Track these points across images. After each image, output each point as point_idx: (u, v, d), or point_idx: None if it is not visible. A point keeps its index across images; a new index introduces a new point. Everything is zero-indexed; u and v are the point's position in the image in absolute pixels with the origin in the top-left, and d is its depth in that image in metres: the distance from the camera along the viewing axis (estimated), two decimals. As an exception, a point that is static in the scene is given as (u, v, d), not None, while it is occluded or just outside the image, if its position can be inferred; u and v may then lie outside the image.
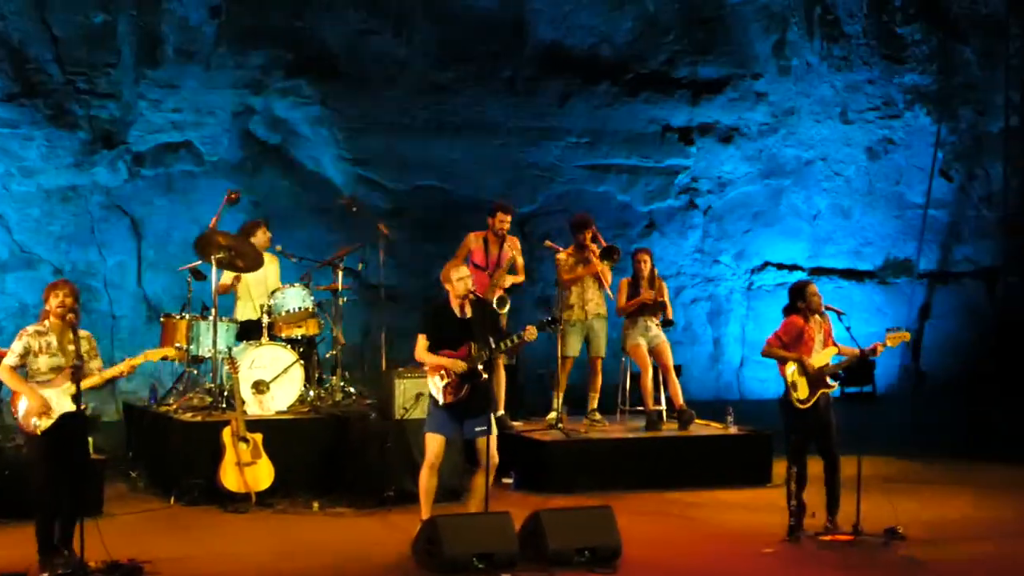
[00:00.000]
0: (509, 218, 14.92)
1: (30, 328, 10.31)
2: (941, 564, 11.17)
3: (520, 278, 15.11)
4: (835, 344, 12.12)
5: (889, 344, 12.18)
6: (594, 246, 15.03)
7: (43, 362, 10.21)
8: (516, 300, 15.36)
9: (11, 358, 10.24)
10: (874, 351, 12.02)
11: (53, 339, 10.24)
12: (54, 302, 10.24)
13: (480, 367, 11.09)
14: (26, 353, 10.21)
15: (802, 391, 12.00)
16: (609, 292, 15.10)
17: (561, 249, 15.20)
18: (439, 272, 11.60)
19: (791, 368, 12.03)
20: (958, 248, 20.92)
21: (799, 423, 12.04)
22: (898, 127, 20.55)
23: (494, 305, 14.13)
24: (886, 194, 20.54)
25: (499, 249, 14.89)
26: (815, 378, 11.94)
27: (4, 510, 11.85)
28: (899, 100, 20.54)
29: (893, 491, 13.70)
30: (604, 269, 14.97)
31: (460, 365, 11.07)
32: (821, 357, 12.00)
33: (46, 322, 10.28)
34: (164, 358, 11.43)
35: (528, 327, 11.29)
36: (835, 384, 12.05)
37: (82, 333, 10.35)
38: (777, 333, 12.20)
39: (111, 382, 10.70)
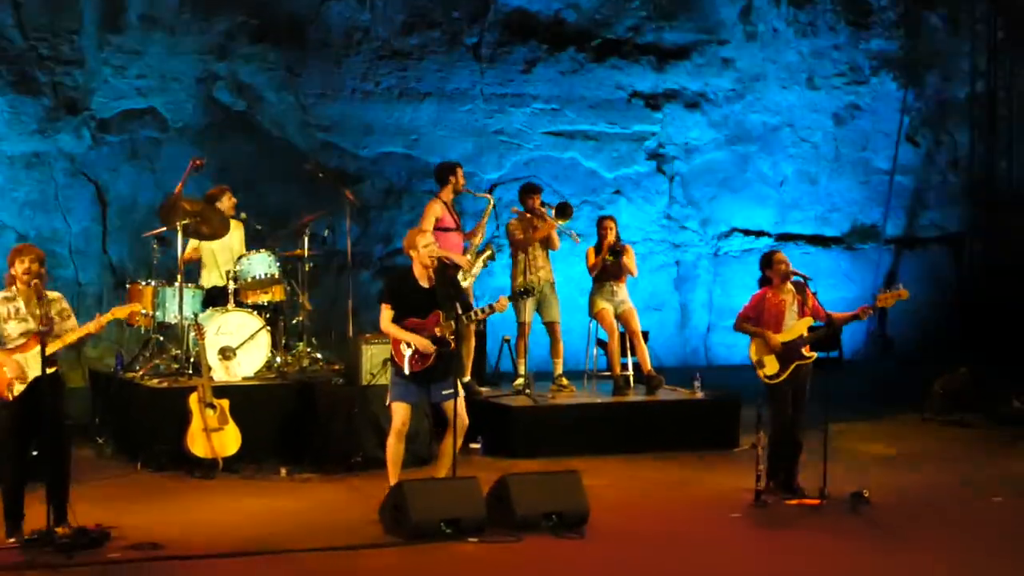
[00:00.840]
0: (462, 171, 14.97)
1: None
2: (906, 528, 11.22)
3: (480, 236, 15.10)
4: (815, 314, 12.06)
5: (880, 304, 12.08)
6: (543, 209, 15.07)
7: (12, 328, 10.16)
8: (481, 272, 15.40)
9: None
10: (857, 316, 11.98)
11: (21, 304, 10.18)
12: (20, 268, 10.17)
13: (449, 336, 11.08)
14: (-4, 319, 10.18)
15: (770, 367, 12.02)
16: (561, 240, 15.09)
17: (526, 215, 15.21)
18: (404, 239, 11.57)
19: (753, 347, 12.06)
20: (924, 214, 21.00)
21: (772, 396, 12.07)
22: (864, 93, 20.59)
23: (483, 260, 14.26)
24: (852, 160, 20.60)
25: (458, 206, 14.94)
26: (786, 352, 11.94)
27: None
28: (865, 66, 20.59)
29: (859, 456, 13.78)
30: (552, 230, 15.01)
31: (426, 345, 11.05)
32: (793, 330, 11.99)
33: (13, 288, 10.22)
34: (131, 316, 11.30)
35: (500, 298, 11.32)
36: (812, 355, 12.04)
37: (52, 295, 10.29)
38: (745, 307, 12.22)
39: (79, 345, 10.61)
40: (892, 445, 15.04)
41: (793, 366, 11.95)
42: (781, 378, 11.97)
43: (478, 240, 14.88)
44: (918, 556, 10.39)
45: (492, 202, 15.23)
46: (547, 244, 15.14)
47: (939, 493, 12.61)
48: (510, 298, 11.45)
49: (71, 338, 10.27)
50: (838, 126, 20.48)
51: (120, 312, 10.63)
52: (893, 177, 20.62)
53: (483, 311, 11.53)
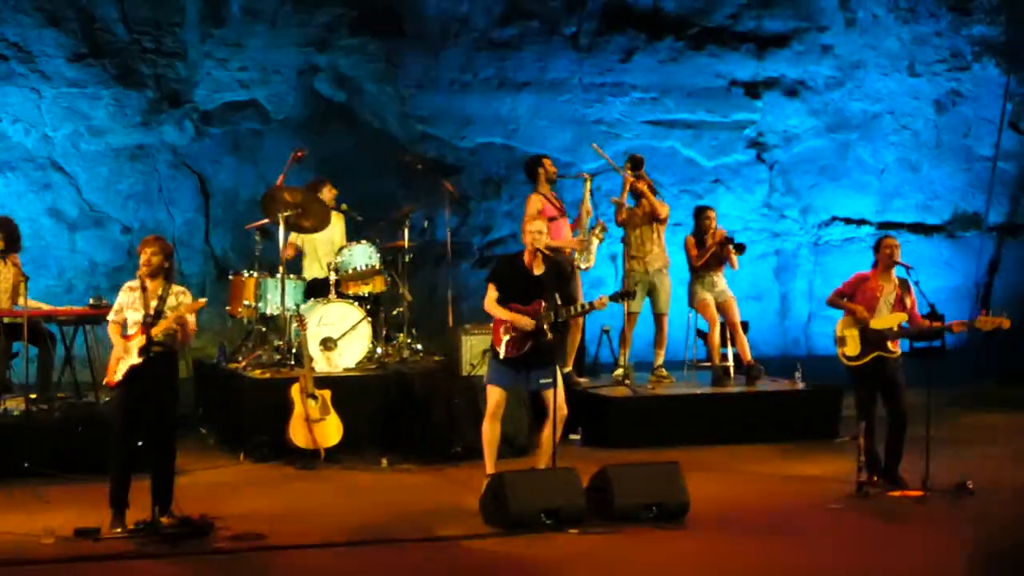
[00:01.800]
0: (550, 160, 14.99)
1: (127, 283, 10.51)
2: (1011, 519, 11.11)
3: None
4: (911, 311, 11.97)
5: (979, 327, 11.79)
6: (639, 181, 15.07)
7: (131, 316, 10.36)
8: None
9: (112, 314, 10.48)
10: (950, 328, 11.83)
11: (139, 294, 10.33)
12: (141, 259, 10.36)
13: (546, 327, 11.10)
14: (121, 308, 10.40)
15: (851, 347, 11.95)
16: (654, 204, 15.07)
17: (625, 205, 15.19)
18: (505, 229, 11.62)
19: (841, 323, 12.00)
20: (1028, 201, 20.75)
21: (855, 379, 12.02)
22: (966, 79, 20.34)
23: (596, 238, 14.28)
24: (954, 147, 20.36)
25: (555, 196, 14.93)
26: (871, 338, 11.86)
27: (80, 466, 11.97)
28: (967, 52, 20.33)
29: (961, 445, 13.66)
30: (650, 197, 15.00)
31: (527, 323, 11.08)
32: (885, 320, 11.91)
33: (140, 278, 10.39)
34: (235, 311, 11.41)
35: (601, 297, 11.34)
36: (897, 352, 11.95)
37: (176, 288, 10.45)
38: (843, 284, 12.18)
39: (174, 342, 10.62)
40: (993, 433, 14.90)
41: (875, 354, 11.86)
42: (861, 361, 11.90)
43: (586, 220, 14.84)
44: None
45: (588, 179, 15.17)
46: (655, 217, 15.06)
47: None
48: (611, 298, 11.45)
49: (164, 325, 10.31)
50: (939, 113, 20.26)
51: (187, 309, 10.58)
52: (996, 164, 20.37)
53: (583, 307, 11.56)
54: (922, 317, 12.00)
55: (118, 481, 10.36)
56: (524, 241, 11.37)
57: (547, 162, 14.93)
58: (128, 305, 10.35)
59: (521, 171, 17.42)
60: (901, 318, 11.90)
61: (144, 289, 10.34)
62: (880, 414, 12.03)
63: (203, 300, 10.69)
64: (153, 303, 10.28)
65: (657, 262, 15.09)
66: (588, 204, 14.97)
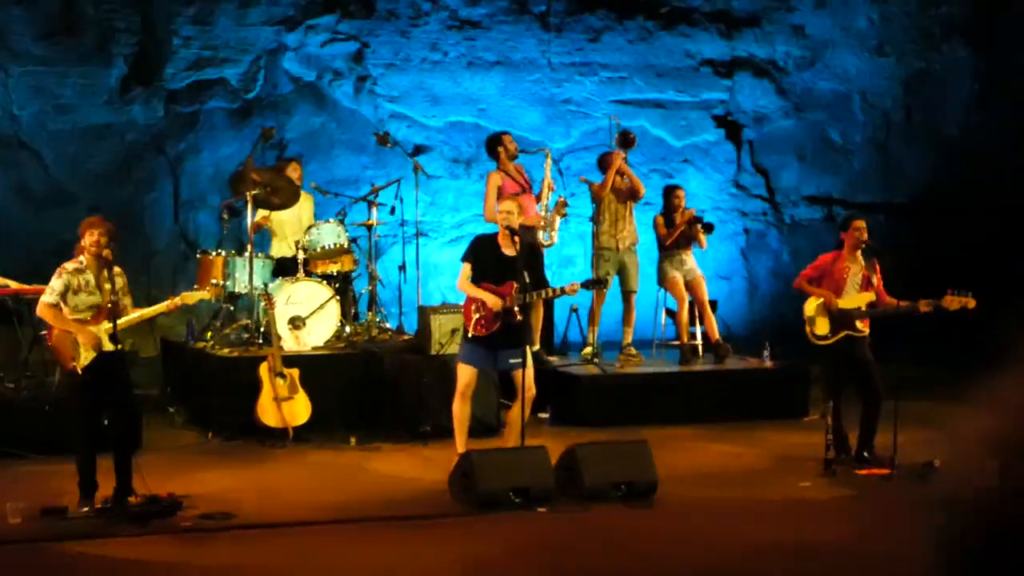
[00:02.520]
0: (510, 136, 14.98)
1: (68, 265, 10.26)
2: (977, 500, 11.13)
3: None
4: (878, 291, 12.00)
5: (945, 306, 11.68)
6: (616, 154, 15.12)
7: (81, 300, 10.21)
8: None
9: (50, 296, 10.22)
10: (917, 308, 11.83)
11: (91, 277, 10.24)
12: (89, 240, 10.22)
13: (516, 308, 11.12)
14: (65, 291, 10.20)
15: (820, 327, 12.01)
16: (635, 182, 15.10)
17: (594, 183, 15.22)
18: (474, 207, 11.64)
19: (809, 303, 12.04)
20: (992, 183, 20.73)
21: (823, 358, 12.07)
22: (935, 59, 20.35)
23: (558, 214, 14.30)
24: (923, 128, 20.39)
25: (519, 171, 14.91)
26: (840, 318, 11.91)
27: (47, 447, 11.93)
28: (936, 32, 20.33)
29: (929, 424, 13.69)
30: (629, 174, 15.05)
31: (495, 301, 11.11)
32: (852, 300, 11.95)
33: (82, 259, 10.28)
34: (200, 300, 11.50)
35: (572, 283, 11.37)
36: (866, 331, 11.98)
37: (117, 269, 10.36)
38: (809, 267, 12.21)
39: (149, 320, 10.74)
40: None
41: (844, 333, 11.91)
42: (829, 341, 11.96)
43: (547, 196, 14.83)
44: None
45: (548, 153, 15.17)
46: (633, 196, 15.10)
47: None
48: (583, 285, 11.48)
49: (134, 318, 10.34)
50: (908, 93, 20.29)
51: (190, 298, 10.72)
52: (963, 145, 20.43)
53: (553, 292, 11.60)
54: (889, 297, 12.04)
55: (85, 461, 10.32)
56: (495, 220, 11.40)
57: (507, 139, 14.94)
58: (79, 288, 10.23)
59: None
60: (868, 298, 11.95)
61: (97, 272, 10.26)
62: (847, 394, 12.08)
63: (179, 300, 10.63)
64: (107, 286, 10.22)
65: (628, 240, 15.12)
66: (549, 179, 14.98)
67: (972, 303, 11.69)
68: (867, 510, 10.84)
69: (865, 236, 12.06)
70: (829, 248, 12.43)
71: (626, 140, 15.18)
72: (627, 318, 15.31)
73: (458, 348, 11.68)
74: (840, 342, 11.96)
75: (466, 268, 11.38)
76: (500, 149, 14.86)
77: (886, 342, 12.27)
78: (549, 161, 15.07)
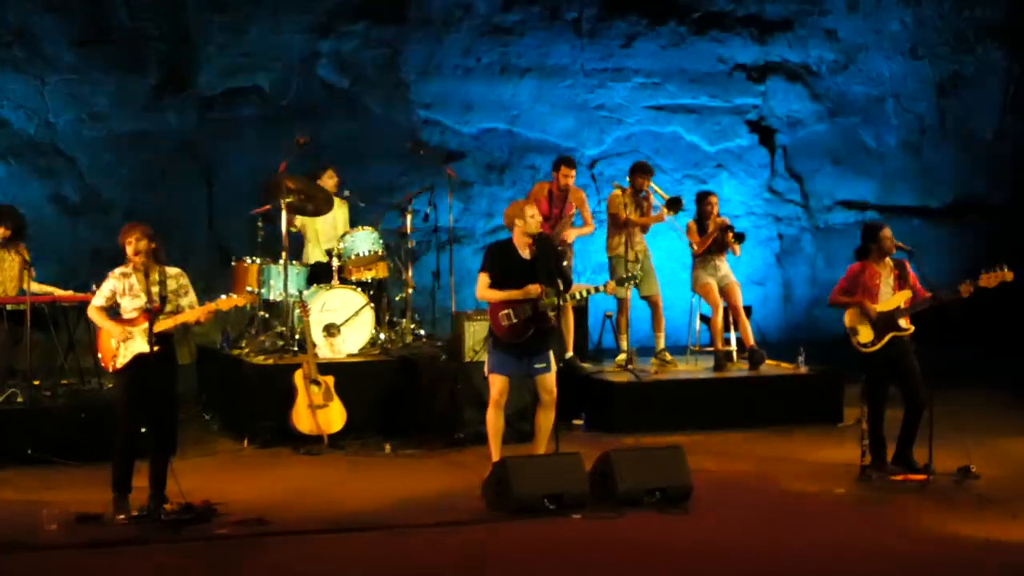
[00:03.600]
0: (573, 172, 14.89)
1: (116, 270, 10.38)
2: (1016, 503, 11.10)
3: (588, 229, 15.11)
4: (915, 288, 11.94)
5: (984, 285, 11.60)
6: (653, 198, 15.06)
7: (127, 303, 10.31)
8: (584, 245, 15.44)
9: (99, 299, 10.38)
10: (958, 293, 11.73)
11: (135, 281, 10.30)
12: (129, 250, 10.29)
13: (549, 311, 11.12)
14: (112, 295, 10.32)
15: (864, 335, 11.92)
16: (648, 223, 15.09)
17: (623, 188, 15.20)
18: (506, 210, 11.59)
19: (849, 314, 11.98)
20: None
21: (868, 365, 11.99)
22: (968, 62, 20.27)
23: (624, 281, 14.29)
24: (956, 130, 20.31)
25: (562, 203, 14.87)
26: (881, 321, 11.85)
27: (83, 453, 11.99)
28: (969, 35, 20.26)
29: (964, 429, 13.64)
30: (653, 218, 15.03)
31: (534, 290, 11.06)
32: (890, 301, 11.89)
33: (130, 264, 10.35)
34: (235, 307, 11.56)
35: (609, 282, 11.44)
36: (910, 328, 11.92)
37: (172, 271, 10.43)
38: (840, 281, 12.15)
39: (187, 325, 10.78)
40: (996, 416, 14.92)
41: (889, 337, 11.84)
42: (876, 347, 11.88)
43: (556, 235, 14.74)
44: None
45: (593, 228, 15.21)
46: (644, 231, 15.18)
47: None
48: (618, 283, 11.46)
49: (178, 320, 10.39)
50: (942, 96, 20.21)
51: (225, 304, 10.73)
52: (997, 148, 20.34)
53: (588, 291, 11.61)
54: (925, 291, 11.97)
55: (122, 467, 10.37)
56: (517, 226, 11.30)
57: (564, 170, 14.65)
58: (124, 292, 10.30)
59: (523, 156, 17.53)
60: (906, 295, 11.87)
61: (143, 275, 10.32)
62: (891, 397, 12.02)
63: (213, 306, 10.63)
64: (155, 289, 10.28)
65: (640, 246, 15.14)
66: (568, 230, 14.89)
67: (1010, 275, 11.60)
68: (903, 515, 10.79)
69: (895, 242, 12.00)
70: (856, 250, 12.34)
71: (676, 205, 15.11)
72: (656, 323, 15.28)
73: (487, 356, 11.61)
74: (887, 346, 11.86)
75: (484, 277, 11.31)
76: (554, 174, 14.79)
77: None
78: (570, 218, 14.98)
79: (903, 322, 11.90)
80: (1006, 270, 11.62)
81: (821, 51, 19.73)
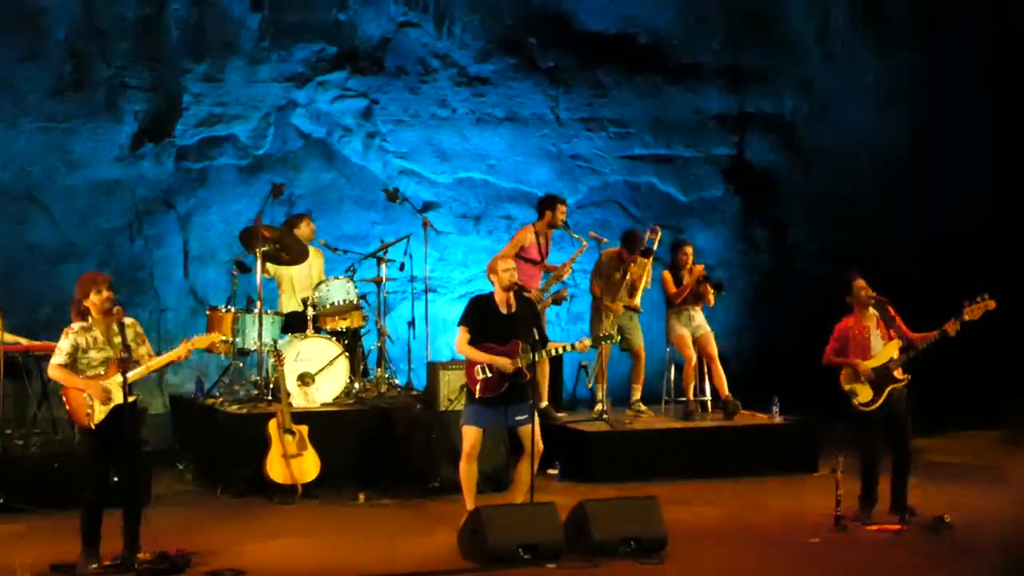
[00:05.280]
0: (566, 208, 14.98)
1: (75, 325, 10.23)
2: (992, 552, 11.09)
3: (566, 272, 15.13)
4: (900, 334, 11.96)
5: (968, 318, 11.65)
6: (635, 267, 15.05)
7: (94, 356, 10.19)
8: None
9: (60, 357, 10.18)
10: (945, 332, 11.69)
11: (99, 333, 10.23)
12: (97, 298, 10.17)
13: (523, 366, 11.13)
14: (74, 351, 10.16)
15: (863, 395, 11.94)
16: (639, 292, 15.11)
17: (607, 241, 15.22)
18: (483, 264, 11.63)
19: (844, 375, 12.00)
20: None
21: (864, 423, 12.01)
22: (940, 111, 20.34)
23: (553, 301, 14.32)
24: (930, 180, 20.37)
25: (547, 241, 14.91)
26: (877, 378, 11.88)
27: (56, 503, 11.92)
28: (941, 84, 20.36)
29: (940, 476, 13.66)
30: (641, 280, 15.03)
31: (506, 363, 11.10)
32: (881, 355, 11.92)
33: (89, 318, 10.26)
34: (211, 345, 11.52)
35: (583, 339, 11.43)
36: (905, 377, 11.94)
37: (127, 321, 10.35)
38: (830, 340, 12.16)
39: (159, 372, 10.76)
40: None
41: (887, 391, 11.88)
42: (876, 405, 11.91)
43: (556, 278, 14.82)
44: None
45: (585, 246, 15.13)
46: (631, 293, 15.16)
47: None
48: (593, 341, 11.48)
49: (154, 366, 10.36)
50: (914, 146, 20.27)
51: (201, 342, 10.69)
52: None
53: (564, 348, 11.62)
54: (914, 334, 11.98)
55: (92, 519, 10.28)
56: (493, 280, 11.35)
57: (561, 207, 14.83)
58: (89, 346, 10.19)
59: (499, 206, 17.53)
60: (897, 345, 11.90)
61: (105, 327, 10.26)
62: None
63: (191, 345, 10.59)
64: (117, 339, 10.22)
65: (627, 302, 15.12)
66: (571, 266, 14.95)
67: (992, 304, 11.65)
68: (878, 565, 10.80)
69: (869, 292, 12.05)
70: (837, 302, 12.37)
71: (649, 255, 15.10)
72: (636, 375, 15.30)
73: (463, 408, 11.60)
74: (886, 400, 11.89)
75: (463, 332, 11.32)
76: (548, 213, 14.84)
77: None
78: (581, 251, 15.04)
79: (897, 373, 11.92)
80: (988, 299, 11.68)
81: (796, 101, 19.84)
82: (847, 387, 12.02)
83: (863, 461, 11.95)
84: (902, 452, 11.97)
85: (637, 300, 15.02)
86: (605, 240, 15.29)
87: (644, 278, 15.04)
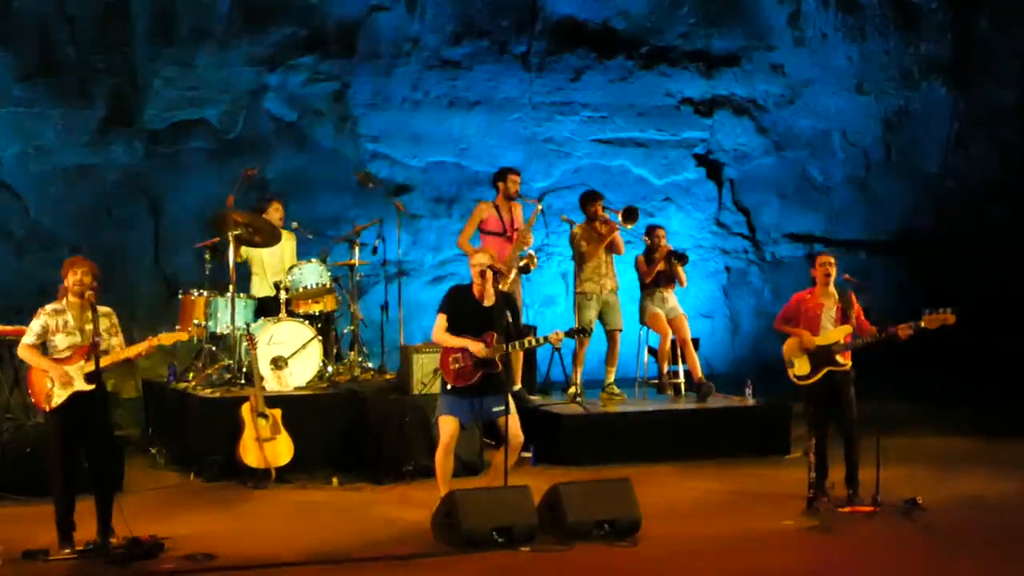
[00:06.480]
0: (519, 178, 14.98)
1: (48, 307, 10.25)
2: (963, 535, 11.15)
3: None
4: (857, 322, 12.01)
5: (926, 327, 11.70)
6: (606, 215, 15.07)
7: (60, 340, 10.18)
8: (534, 276, 15.51)
9: (29, 336, 10.22)
10: (896, 333, 11.81)
11: (70, 317, 10.20)
12: (72, 279, 10.20)
13: (497, 358, 11.14)
14: (44, 332, 10.18)
15: (801, 367, 12.04)
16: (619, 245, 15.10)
17: (575, 223, 15.24)
18: (456, 248, 11.62)
19: (788, 343, 12.08)
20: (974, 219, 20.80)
21: (807, 396, 12.09)
22: (914, 98, 20.43)
23: (523, 266, 14.31)
24: (902, 166, 20.46)
25: (510, 213, 14.92)
26: (820, 354, 11.93)
27: (26, 488, 11.90)
28: (915, 71, 20.43)
29: (913, 461, 13.71)
30: (617, 233, 15.01)
31: (479, 348, 11.09)
32: (829, 335, 11.97)
33: (64, 300, 10.26)
34: (177, 342, 11.53)
35: (556, 332, 11.40)
36: (847, 364, 11.99)
37: (103, 310, 10.32)
38: (784, 308, 12.27)
39: (129, 360, 10.71)
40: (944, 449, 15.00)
41: (825, 371, 11.93)
42: (811, 380, 11.99)
43: (518, 246, 14.81)
44: (973, 564, 10.36)
45: (539, 208, 15.12)
46: (612, 249, 15.12)
47: (997, 500, 12.54)
48: (567, 334, 11.48)
49: (119, 357, 10.34)
50: (888, 131, 20.36)
51: (167, 339, 10.66)
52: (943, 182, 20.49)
53: (536, 341, 11.64)
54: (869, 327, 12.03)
55: (63, 504, 10.27)
56: (465, 248, 11.40)
57: (512, 177, 14.92)
58: (58, 329, 10.19)
59: (472, 189, 17.53)
60: (846, 331, 11.96)
61: (79, 311, 10.22)
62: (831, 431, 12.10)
63: (156, 341, 10.56)
64: (88, 327, 10.19)
65: (610, 284, 15.14)
66: (527, 232, 14.94)
67: (952, 319, 11.69)
68: (850, 547, 10.83)
69: (832, 270, 12.10)
70: (809, 284, 12.42)
71: (631, 216, 15.13)
72: (611, 357, 15.31)
73: (438, 399, 11.60)
74: (822, 379, 11.97)
75: (442, 319, 11.35)
76: (500, 185, 14.90)
77: (871, 378, 12.28)
78: (535, 216, 15.02)
79: (840, 357, 11.96)
80: (948, 313, 11.69)
81: (768, 85, 19.84)
82: (787, 356, 12.13)
83: (812, 438, 11.98)
84: (849, 434, 12.00)
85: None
86: (572, 222, 15.29)
87: (619, 237, 15.06)
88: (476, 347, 11.13)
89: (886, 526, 11.36)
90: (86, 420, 10.19)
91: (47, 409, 10.19)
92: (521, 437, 11.35)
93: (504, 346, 11.13)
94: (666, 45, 19.33)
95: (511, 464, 11.19)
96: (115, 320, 10.46)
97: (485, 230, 14.75)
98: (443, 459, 11.35)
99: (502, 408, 11.19)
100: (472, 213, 15.02)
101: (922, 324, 11.74)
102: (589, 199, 15.27)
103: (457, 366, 11.23)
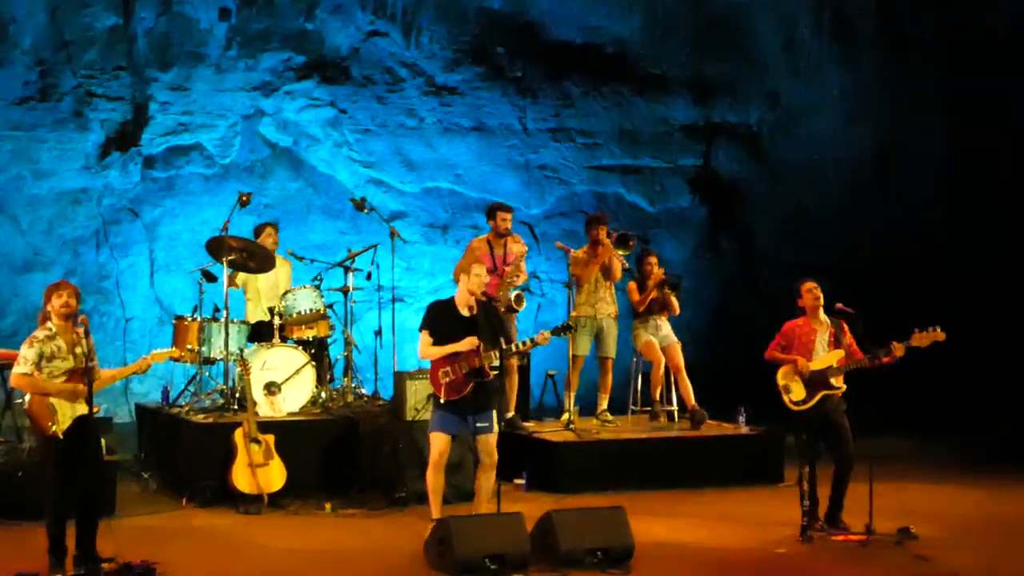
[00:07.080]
0: (510, 216, 14.96)
1: (39, 334, 10.14)
2: (956, 564, 11.15)
3: (523, 277, 15.11)
4: (850, 348, 12.02)
5: (916, 344, 11.72)
6: (608, 240, 15.06)
7: (56, 366, 10.13)
8: (530, 301, 15.50)
9: (25, 366, 10.08)
10: (889, 353, 11.85)
11: (62, 342, 10.17)
12: (57, 302, 10.12)
13: (487, 366, 11.13)
14: (39, 359, 10.09)
15: (796, 393, 12.03)
16: (620, 270, 15.06)
17: (572, 249, 15.24)
18: (450, 274, 11.61)
19: (782, 371, 12.08)
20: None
21: (800, 423, 12.08)
22: (905, 127, 20.44)
23: (512, 303, 14.28)
24: (894, 194, 20.47)
25: (503, 249, 14.91)
26: (813, 380, 11.94)
27: (19, 512, 11.86)
28: (906, 100, 20.46)
29: (905, 488, 13.71)
30: (614, 257, 14.97)
31: (471, 343, 11.09)
32: (823, 360, 11.99)
33: (50, 325, 10.21)
34: (172, 359, 11.49)
35: (542, 332, 11.38)
36: (841, 386, 12.00)
37: (81, 331, 10.26)
38: (776, 337, 12.27)
39: (124, 381, 10.72)
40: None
41: (820, 395, 11.94)
42: (807, 405, 11.98)
43: (506, 285, 14.74)
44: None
45: (524, 248, 15.11)
46: (608, 275, 15.10)
47: (993, 527, 12.55)
48: (553, 332, 11.46)
49: (118, 376, 10.33)
50: (880, 160, 20.37)
51: (160, 356, 10.65)
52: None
53: (524, 344, 11.61)
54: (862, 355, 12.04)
55: (56, 528, 10.23)
56: (461, 282, 11.36)
57: (501, 216, 14.83)
58: (53, 355, 10.09)
59: (466, 215, 17.53)
60: (839, 355, 11.98)
61: (67, 335, 10.20)
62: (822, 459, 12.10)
63: (149, 360, 10.57)
64: (79, 349, 10.17)
65: (607, 309, 15.14)
66: (515, 270, 14.89)
67: (942, 336, 11.71)
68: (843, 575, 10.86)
69: (820, 294, 12.13)
70: (802, 313, 12.43)
71: (625, 242, 15.11)
72: (604, 384, 15.31)
73: (430, 415, 11.60)
74: (817, 405, 11.97)
75: (425, 336, 11.36)
76: (491, 222, 14.89)
77: (863, 408, 12.28)
78: (521, 254, 14.97)
79: (835, 381, 11.99)
80: (938, 330, 11.72)
81: (762, 113, 19.89)
82: (782, 382, 12.11)
83: (804, 466, 11.96)
84: (843, 460, 11.98)
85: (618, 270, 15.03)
86: (568, 248, 15.30)
87: (616, 262, 15.02)
88: (465, 344, 11.13)
89: (879, 555, 11.34)
90: (81, 444, 10.18)
91: (57, 435, 10.09)
92: (495, 456, 11.34)
93: (492, 353, 11.12)
94: (661, 72, 19.40)
95: (491, 485, 11.18)
96: (92, 341, 10.40)
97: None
98: (433, 476, 11.33)
99: (487, 425, 11.23)
100: (466, 251, 14.99)
101: (912, 342, 11.75)
102: (591, 223, 15.26)
103: (448, 379, 11.22)
